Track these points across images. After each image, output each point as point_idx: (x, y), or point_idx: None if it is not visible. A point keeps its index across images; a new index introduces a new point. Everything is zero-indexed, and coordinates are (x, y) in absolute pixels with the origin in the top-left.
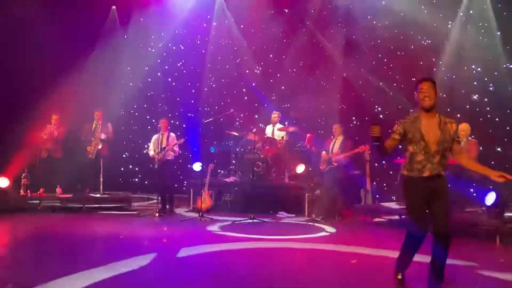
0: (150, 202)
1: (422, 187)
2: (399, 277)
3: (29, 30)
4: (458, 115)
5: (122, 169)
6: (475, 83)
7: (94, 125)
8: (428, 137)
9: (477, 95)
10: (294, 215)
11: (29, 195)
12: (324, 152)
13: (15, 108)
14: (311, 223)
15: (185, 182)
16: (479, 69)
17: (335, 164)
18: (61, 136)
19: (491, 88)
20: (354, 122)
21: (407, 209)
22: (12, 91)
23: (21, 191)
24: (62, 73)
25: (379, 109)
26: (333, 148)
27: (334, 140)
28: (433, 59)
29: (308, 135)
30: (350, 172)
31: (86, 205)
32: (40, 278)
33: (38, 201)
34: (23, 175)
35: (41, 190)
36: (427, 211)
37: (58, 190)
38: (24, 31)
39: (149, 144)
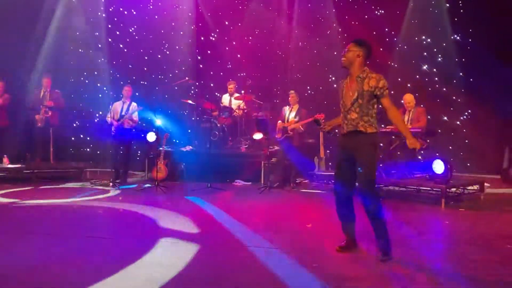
0: (104, 171)
1: (342, 145)
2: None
3: None
4: (409, 85)
5: (73, 138)
6: (425, 53)
7: (42, 93)
8: (345, 95)
9: (426, 66)
10: (250, 183)
11: None
12: (279, 121)
13: None
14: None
15: (139, 152)
16: (428, 40)
17: (291, 133)
18: (6, 103)
19: (439, 59)
20: (309, 92)
21: None
22: None
23: None
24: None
25: (333, 78)
26: (289, 117)
27: (289, 109)
28: (386, 29)
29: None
30: (304, 140)
31: (36, 176)
32: None
33: None
34: None
35: None
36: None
37: (5, 160)
38: None
39: (100, 113)
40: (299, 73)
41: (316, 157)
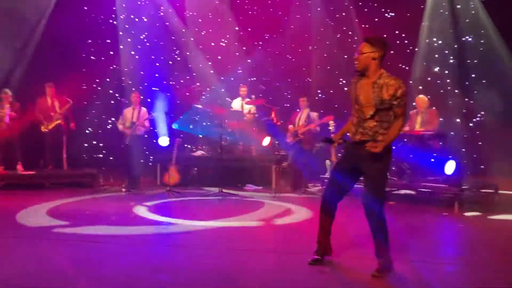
0: (118, 177)
1: (350, 152)
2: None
3: None
4: (420, 87)
5: (85, 145)
6: (436, 55)
7: (49, 101)
8: (361, 101)
9: (438, 68)
10: (261, 187)
11: None
12: (290, 125)
13: None
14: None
15: (151, 157)
16: (440, 41)
17: (301, 136)
18: (16, 113)
19: (451, 61)
20: (320, 95)
21: None
22: None
23: None
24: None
25: (344, 81)
26: (299, 121)
27: (300, 113)
28: (396, 32)
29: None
30: (315, 144)
31: (49, 182)
32: None
33: None
34: None
35: (1, 168)
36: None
37: (19, 167)
38: None
39: (113, 119)
40: (309, 76)
41: (327, 160)
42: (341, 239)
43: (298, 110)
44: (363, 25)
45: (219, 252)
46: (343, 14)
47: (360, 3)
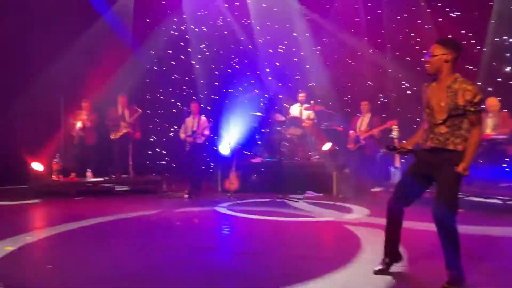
0: (180, 184)
1: (422, 159)
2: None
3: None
4: (490, 89)
5: (150, 152)
6: (507, 54)
7: (120, 110)
8: (433, 106)
9: (510, 67)
10: (322, 194)
11: (61, 179)
12: (351, 131)
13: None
14: (339, 203)
15: (212, 164)
16: (511, 40)
17: (363, 142)
18: (93, 122)
19: None
20: (381, 99)
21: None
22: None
23: (53, 176)
24: (86, 59)
25: (407, 85)
26: (361, 126)
27: (361, 118)
28: (462, 31)
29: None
30: (378, 150)
31: (117, 188)
32: None
33: (70, 185)
34: (54, 160)
35: (73, 174)
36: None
37: (89, 174)
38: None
39: (175, 127)
40: (370, 80)
41: (391, 167)
42: (410, 249)
43: (359, 115)
44: (425, 26)
45: None
46: (405, 15)
47: (423, 3)
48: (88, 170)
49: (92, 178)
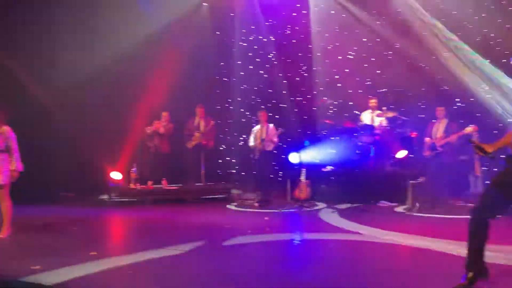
0: (248, 192)
1: (511, 167)
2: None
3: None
4: None
5: (220, 161)
6: None
7: (196, 120)
8: None
9: None
10: (396, 203)
11: (138, 187)
12: (427, 138)
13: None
14: (416, 213)
15: (280, 172)
16: None
17: (440, 149)
18: (169, 132)
19: None
20: (458, 104)
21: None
22: (122, 89)
23: (131, 184)
24: (162, 73)
25: (486, 88)
26: (437, 133)
27: (437, 124)
28: None
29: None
30: (456, 157)
31: (190, 196)
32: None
33: (147, 193)
34: (132, 169)
35: (149, 183)
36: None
37: (164, 182)
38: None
39: (244, 136)
40: (446, 84)
41: (470, 175)
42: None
43: (434, 121)
44: (507, 26)
45: None
46: (483, 15)
47: (503, 1)
48: (163, 178)
49: (167, 186)
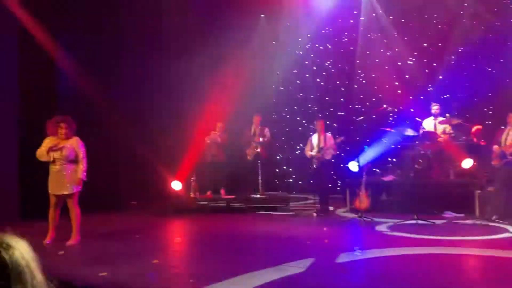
0: (306, 202)
1: None
2: None
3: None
4: None
5: (277, 170)
6: None
7: (253, 130)
8: None
9: None
10: (463, 215)
11: (198, 197)
12: (495, 145)
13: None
14: (486, 223)
15: (338, 182)
16: None
17: (510, 157)
18: (225, 142)
19: None
20: None
21: None
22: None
23: (191, 194)
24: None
25: None
26: (507, 140)
27: (507, 130)
28: None
29: (474, 127)
30: None
31: (248, 206)
32: (214, 276)
33: (206, 203)
34: (192, 178)
35: (208, 192)
36: None
37: (222, 191)
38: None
39: (301, 145)
40: None
41: None
42: None
43: (503, 127)
44: None
45: None
46: None
47: None
48: (221, 188)
49: (225, 195)
